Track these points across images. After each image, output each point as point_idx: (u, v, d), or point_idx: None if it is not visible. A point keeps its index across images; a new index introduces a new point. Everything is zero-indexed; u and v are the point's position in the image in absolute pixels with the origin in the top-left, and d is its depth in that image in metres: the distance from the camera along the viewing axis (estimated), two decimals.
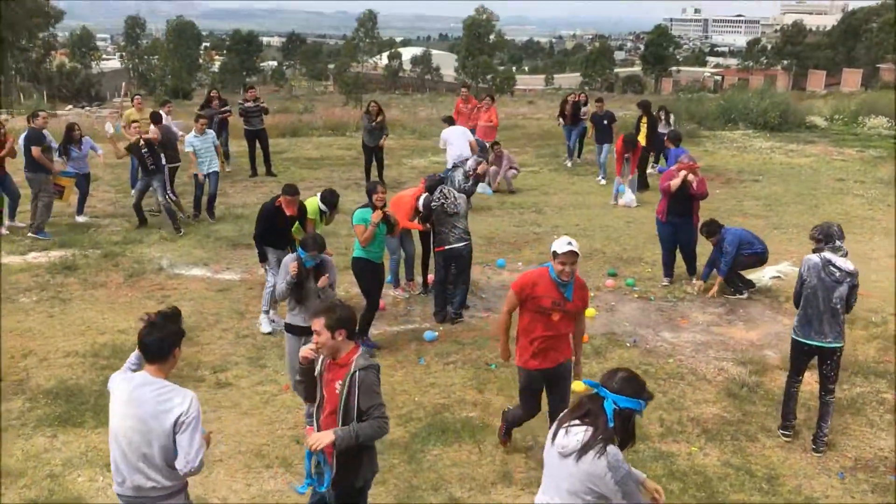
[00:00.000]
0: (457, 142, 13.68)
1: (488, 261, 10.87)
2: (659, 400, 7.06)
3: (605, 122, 16.29)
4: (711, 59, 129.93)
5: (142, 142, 11.71)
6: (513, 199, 14.60)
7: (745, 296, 9.59)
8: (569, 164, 18.02)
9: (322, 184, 15.42)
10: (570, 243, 5.42)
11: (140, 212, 12.22)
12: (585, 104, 18.05)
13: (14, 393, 6.98)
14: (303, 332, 6.36)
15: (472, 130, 16.15)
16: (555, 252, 5.46)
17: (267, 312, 8.53)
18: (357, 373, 4.15)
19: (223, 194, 14.46)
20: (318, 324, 4.18)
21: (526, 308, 5.67)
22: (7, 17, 42.46)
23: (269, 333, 8.33)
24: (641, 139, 15.11)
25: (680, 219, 9.69)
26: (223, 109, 16.30)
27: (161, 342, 3.91)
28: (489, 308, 9.28)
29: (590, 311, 9.03)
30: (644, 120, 15.59)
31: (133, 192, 12.85)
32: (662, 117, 16.25)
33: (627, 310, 9.27)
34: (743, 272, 9.70)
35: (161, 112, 13.64)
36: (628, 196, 14.03)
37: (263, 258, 8.60)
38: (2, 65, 44.66)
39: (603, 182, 16.02)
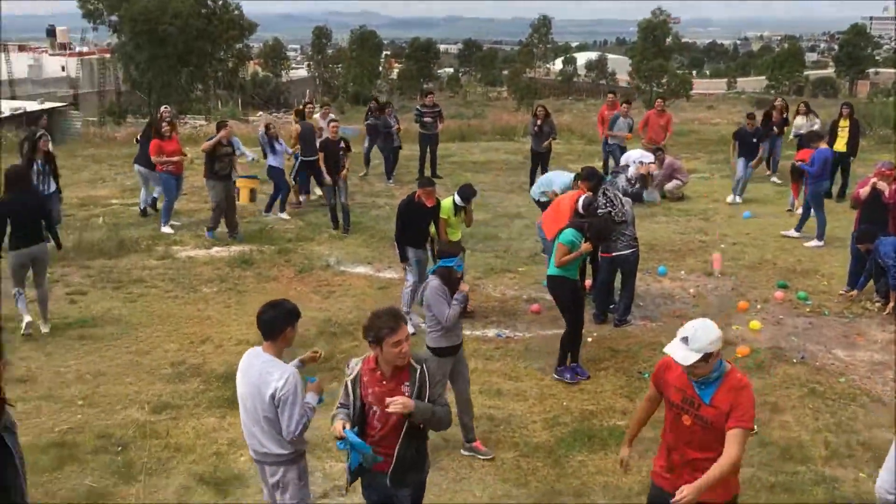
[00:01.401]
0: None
1: (650, 268, 10.58)
2: (826, 421, 6.63)
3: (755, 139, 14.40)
4: None
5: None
6: (679, 206, 14.10)
7: None
8: (775, 180, 15.89)
9: (487, 187, 15.65)
10: (683, 339, 3.82)
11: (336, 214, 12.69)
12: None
13: (192, 375, 7.56)
14: (458, 350, 6.07)
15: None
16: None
17: (408, 314, 8.58)
18: (424, 365, 4.15)
19: (389, 195, 14.96)
20: (404, 332, 4.03)
21: (664, 397, 4.25)
22: (208, 31, 46.09)
23: (413, 335, 8.44)
24: (841, 146, 14.05)
25: (877, 225, 9.10)
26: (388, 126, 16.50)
27: (273, 321, 4.30)
28: (646, 316, 9.04)
29: (754, 324, 8.61)
30: (845, 123, 14.39)
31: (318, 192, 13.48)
32: (803, 111, 15.16)
33: (797, 323, 8.73)
34: None
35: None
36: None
37: (404, 257, 8.78)
38: (203, 74, 48.59)
39: (738, 201, 14.17)
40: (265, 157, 13.32)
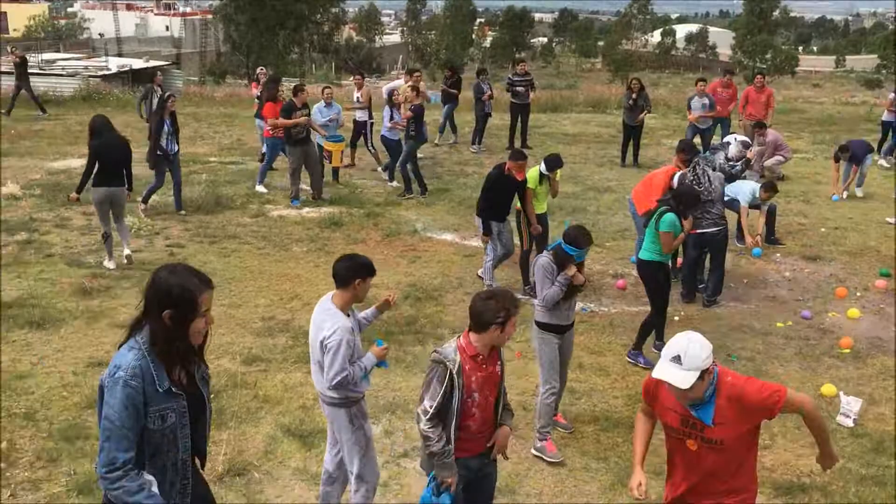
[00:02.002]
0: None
1: (743, 249, 10.28)
2: None
3: None
4: None
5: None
6: (780, 186, 13.59)
7: None
8: (883, 163, 15.02)
9: (577, 160, 15.45)
10: (674, 359, 3.37)
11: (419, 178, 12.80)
12: None
13: (280, 331, 7.77)
14: (564, 330, 5.84)
15: (727, 120, 15.23)
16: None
17: (490, 285, 8.52)
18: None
19: (478, 164, 14.94)
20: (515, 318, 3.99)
21: (661, 421, 3.75)
22: None
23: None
24: None
25: None
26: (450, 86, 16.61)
27: (346, 271, 4.45)
28: (737, 298, 8.81)
29: (853, 312, 8.29)
30: None
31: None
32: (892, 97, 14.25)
33: None
34: None
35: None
36: None
37: (488, 230, 8.63)
38: (299, 37, 49.21)
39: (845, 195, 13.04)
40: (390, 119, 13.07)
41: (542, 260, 5.79)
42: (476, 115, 16.42)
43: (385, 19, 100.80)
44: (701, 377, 3.35)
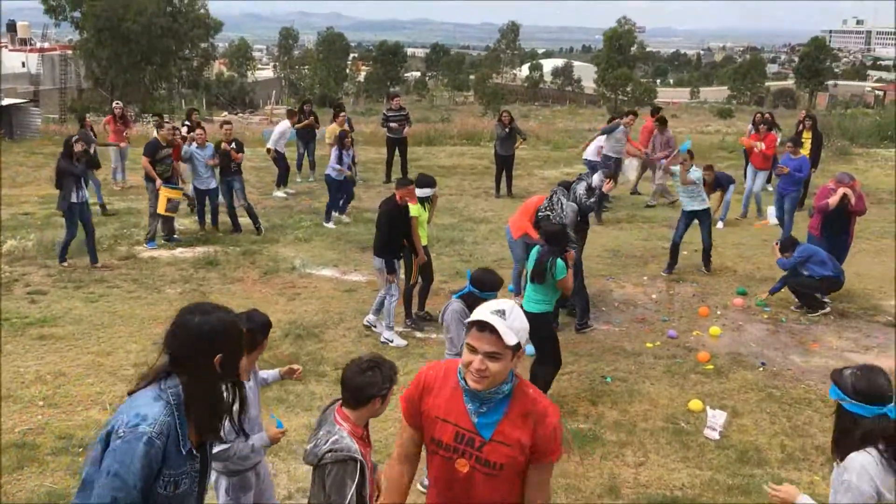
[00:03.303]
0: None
1: (613, 274, 10.73)
2: (783, 425, 6.78)
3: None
4: (873, 73, 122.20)
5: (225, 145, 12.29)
6: (644, 213, 14.32)
7: (826, 310, 9.26)
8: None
9: (453, 192, 15.73)
10: (498, 312, 2.83)
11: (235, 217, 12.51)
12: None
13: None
14: None
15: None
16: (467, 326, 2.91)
17: (391, 328, 8.44)
18: None
19: (356, 198, 14.96)
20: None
21: (426, 439, 3.09)
22: (172, 29, 45.61)
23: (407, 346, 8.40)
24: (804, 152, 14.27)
25: (835, 235, 9.36)
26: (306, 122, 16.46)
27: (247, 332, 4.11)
28: (608, 321, 9.16)
29: (715, 330, 8.78)
30: (807, 135, 14.63)
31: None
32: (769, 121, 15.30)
33: (755, 330, 8.92)
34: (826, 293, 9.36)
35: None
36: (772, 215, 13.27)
37: (392, 269, 8.37)
38: (167, 73, 48.07)
39: (774, 223, 13.05)
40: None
41: (454, 306, 5.62)
42: None
43: (257, 54, 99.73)
44: (515, 351, 2.84)
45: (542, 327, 6.78)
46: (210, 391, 2.75)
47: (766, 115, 15.80)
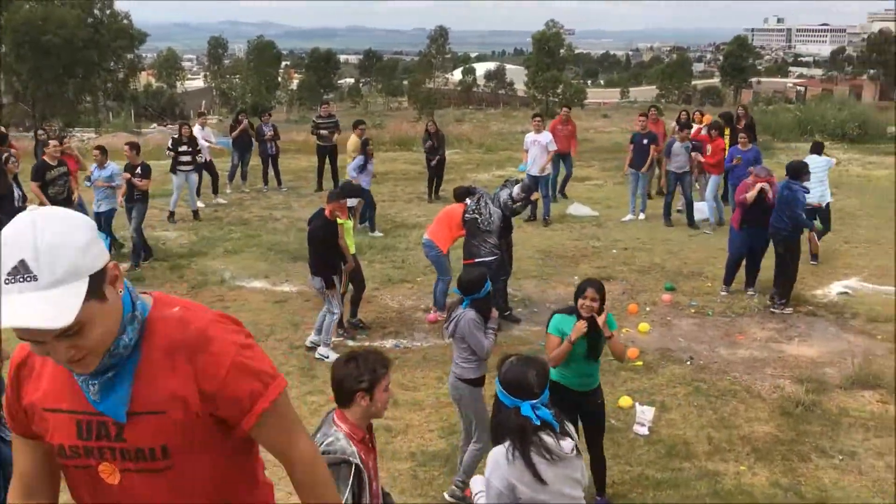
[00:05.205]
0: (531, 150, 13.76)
1: (544, 275, 10.82)
2: (709, 417, 6.90)
3: (646, 142, 13.84)
4: (794, 70, 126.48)
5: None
6: (574, 213, 14.48)
7: (789, 310, 9.39)
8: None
9: (386, 198, 15.67)
10: (18, 272, 1.61)
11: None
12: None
13: None
14: (482, 383, 5.62)
15: (569, 155, 15.48)
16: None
17: (328, 344, 8.21)
18: None
19: (287, 208, 14.81)
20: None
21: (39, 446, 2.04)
22: (95, 41, 44.49)
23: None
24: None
25: (755, 228, 9.59)
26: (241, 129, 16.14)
27: None
28: (540, 322, 9.21)
29: (643, 326, 8.91)
30: (726, 132, 14.96)
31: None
32: (698, 119, 15.58)
33: (683, 325, 9.09)
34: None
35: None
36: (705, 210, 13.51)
37: (331, 283, 8.17)
38: (91, 86, 46.87)
39: (642, 216, 13.88)
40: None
41: (468, 315, 5.44)
42: (261, 156, 16.42)
43: (187, 64, 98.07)
44: (92, 297, 1.72)
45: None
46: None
47: (717, 118, 15.36)
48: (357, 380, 3.29)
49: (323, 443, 3.23)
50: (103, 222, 10.94)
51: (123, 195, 11.12)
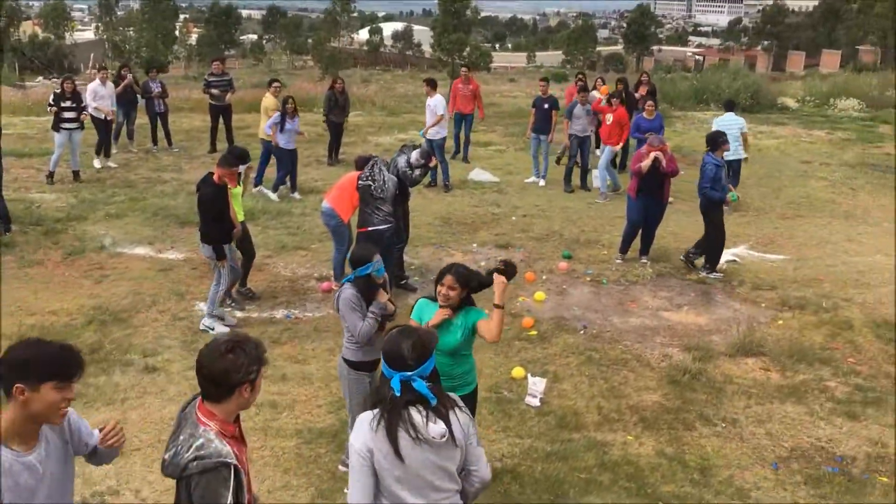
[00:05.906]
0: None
1: (443, 242, 10.66)
2: (600, 387, 6.92)
3: (547, 106, 13.89)
4: (694, 39, 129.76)
5: None
6: (475, 178, 14.35)
7: (719, 275, 9.63)
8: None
9: None
10: None
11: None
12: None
13: None
14: (376, 366, 5.15)
15: (471, 116, 15.46)
16: None
17: (213, 315, 7.83)
18: None
19: (177, 169, 14.16)
20: None
21: None
22: None
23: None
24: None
25: (650, 197, 9.69)
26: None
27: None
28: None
29: (539, 295, 8.88)
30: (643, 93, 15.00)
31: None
32: (600, 86, 15.74)
33: (578, 293, 9.10)
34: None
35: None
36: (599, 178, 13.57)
37: (223, 254, 7.73)
38: None
39: (542, 183, 14.00)
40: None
41: (346, 293, 5.18)
42: (148, 115, 15.65)
43: (77, 14, 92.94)
44: None
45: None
46: None
47: (618, 86, 14.87)
48: (247, 371, 2.93)
49: (191, 447, 2.87)
50: None
51: None
